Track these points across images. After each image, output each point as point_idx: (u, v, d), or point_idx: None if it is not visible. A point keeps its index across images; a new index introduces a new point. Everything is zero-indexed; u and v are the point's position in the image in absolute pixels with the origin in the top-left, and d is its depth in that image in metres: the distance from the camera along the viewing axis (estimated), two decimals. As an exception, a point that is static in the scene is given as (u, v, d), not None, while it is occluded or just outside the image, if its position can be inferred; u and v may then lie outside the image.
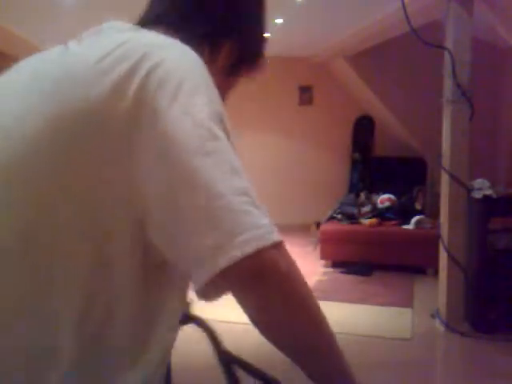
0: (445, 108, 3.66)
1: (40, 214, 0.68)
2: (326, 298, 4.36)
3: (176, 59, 0.72)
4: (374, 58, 5.95)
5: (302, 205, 7.13)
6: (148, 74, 0.68)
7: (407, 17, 3.33)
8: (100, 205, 0.68)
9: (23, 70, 0.78)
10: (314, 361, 0.75)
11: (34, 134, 0.68)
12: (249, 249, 0.64)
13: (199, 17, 0.86)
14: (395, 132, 6.68)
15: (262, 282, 0.67)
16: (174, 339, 0.81)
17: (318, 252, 5.42)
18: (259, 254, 0.65)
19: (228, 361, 0.84)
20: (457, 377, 3.22)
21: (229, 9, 0.89)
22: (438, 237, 3.76)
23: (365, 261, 5.16)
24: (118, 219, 0.68)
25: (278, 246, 0.67)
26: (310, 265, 5.38)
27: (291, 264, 0.70)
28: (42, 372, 0.68)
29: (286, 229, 7.48)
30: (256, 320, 0.72)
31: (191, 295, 1.22)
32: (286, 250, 0.69)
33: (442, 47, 3.58)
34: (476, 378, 3.06)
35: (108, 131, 0.67)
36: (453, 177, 3.57)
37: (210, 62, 0.77)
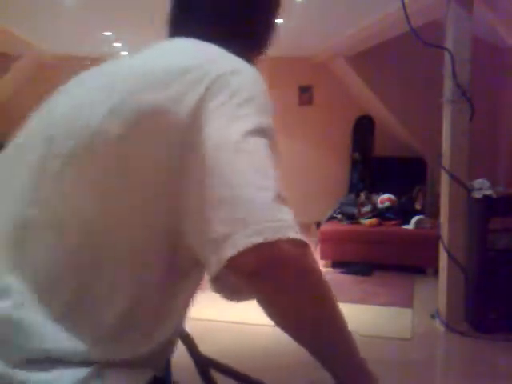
0: (445, 108, 3.66)
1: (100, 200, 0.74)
2: (325, 298, 4.35)
3: (240, 72, 0.78)
4: (373, 58, 5.95)
5: (302, 205, 7.12)
6: (210, 85, 0.73)
7: (407, 17, 3.33)
8: (144, 194, 0.73)
9: (94, 72, 0.85)
10: (325, 351, 0.77)
11: (99, 123, 0.74)
12: (259, 239, 0.65)
13: (244, 31, 0.95)
14: (395, 132, 6.68)
15: (270, 272, 0.67)
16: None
17: (318, 252, 5.42)
18: (270, 245, 0.66)
19: (204, 364, 0.83)
20: (457, 377, 3.21)
21: (264, 20, 0.98)
22: (438, 237, 3.76)
23: (365, 261, 5.16)
24: (155, 211, 0.73)
25: (297, 243, 0.68)
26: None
27: (307, 263, 0.70)
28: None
29: (286, 229, 7.43)
30: (264, 309, 0.73)
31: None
32: (305, 249, 0.70)
33: (441, 47, 3.58)
34: (476, 378, 3.06)
35: (168, 129, 0.72)
36: (453, 177, 3.57)
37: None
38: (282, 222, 0.67)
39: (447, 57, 3.53)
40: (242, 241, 0.65)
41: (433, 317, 3.83)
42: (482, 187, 3.60)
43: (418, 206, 5.77)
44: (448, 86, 3.59)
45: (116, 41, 5.97)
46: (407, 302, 4.28)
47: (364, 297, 4.41)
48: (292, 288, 0.69)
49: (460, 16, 3.50)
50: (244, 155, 0.69)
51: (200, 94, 0.72)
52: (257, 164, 0.70)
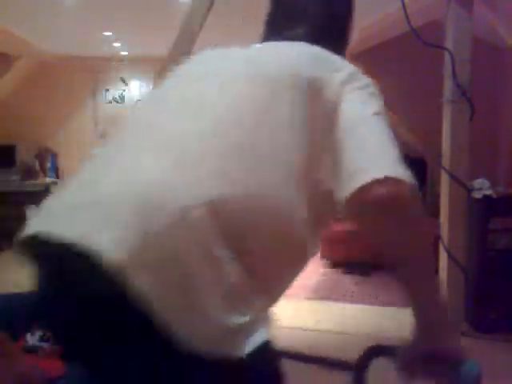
0: (445, 108, 3.66)
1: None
2: (325, 298, 4.36)
3: (361, 73, 1.04)
4: (374, 58, 5.95)
5: (302, 205, 7.11)
6: (351, 73, 0.99)
7: (407, 17, 3.33)
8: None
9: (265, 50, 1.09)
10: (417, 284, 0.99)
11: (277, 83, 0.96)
12: (390, 174, 0.85)
13: (344, 40, 1.20)
14: (395, 132, 6.67)
15: (391, 207, 0.84)
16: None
17: (317, 252, 5.42)
18: (398, 183, 0.85)
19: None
20: (457, 377, 3.21)
21: (351, 27, 1.22)
22: (438, 237, 3.76)
23: (365, 261, 5.16)
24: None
25: (414, 192, 0.86)
26: (309, 265, 5.37)
27: (418, 210, 0.87)
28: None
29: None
30: (381, 238, 0.97)
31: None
32: (417, 200, 0.87)
33: (441, 47, 3.58)
34: (476, 378, 3.06)
35: (322, 96, 0.94)
36: (453, 177, 3.57)
37: None
38: (406, 173, 0.88)
39: (447, 57, 3.53)
40: (375, 174, 0.83)
41: (433, 317, 3.83)
42: (482, 187, 3.61)
43: (417, 206, 5.76)
44: (448, 86, 3.59)
45: (116, 41, 5.97)
46: (407, 302, 4.28)
47: (364, 297, 4.42)
48: (401, 227, 0.87)
49: (460, 16, 3.50)
50: (377, 125, 0.91)
51: (344, 77, 0.96)
52: (386, 133, 0.93)
